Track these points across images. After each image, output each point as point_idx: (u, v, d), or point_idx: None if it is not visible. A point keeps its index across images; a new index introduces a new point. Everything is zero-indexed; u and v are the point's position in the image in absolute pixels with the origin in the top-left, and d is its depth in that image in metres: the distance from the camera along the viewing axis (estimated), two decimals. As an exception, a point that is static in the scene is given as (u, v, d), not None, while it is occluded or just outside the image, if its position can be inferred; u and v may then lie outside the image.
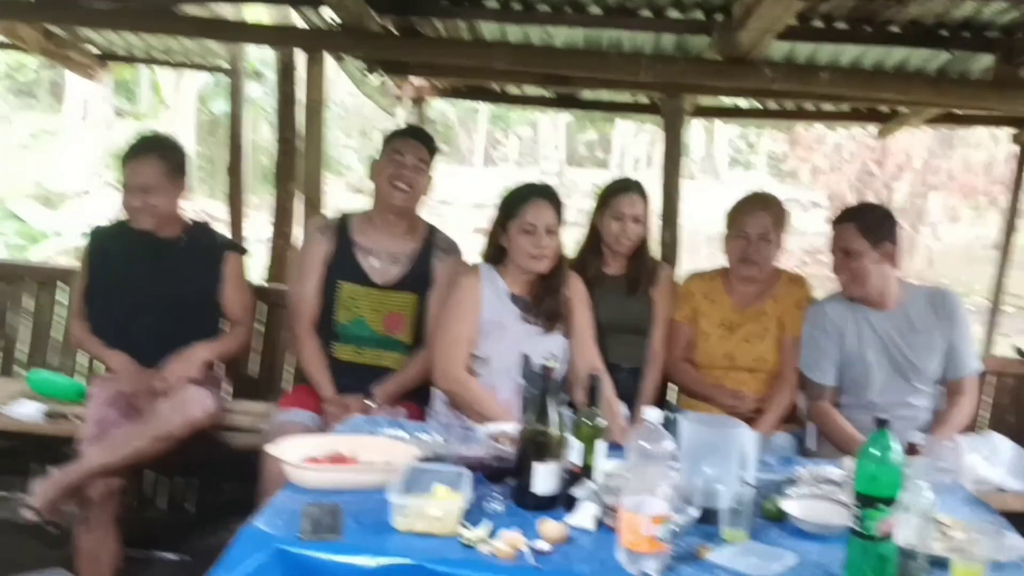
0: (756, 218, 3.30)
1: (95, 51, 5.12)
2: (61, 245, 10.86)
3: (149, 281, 3.25)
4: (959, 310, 3.14)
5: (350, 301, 3.23)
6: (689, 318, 3.45)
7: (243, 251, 3.50)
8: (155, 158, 3.19)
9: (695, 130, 25.31)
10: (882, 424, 1.88)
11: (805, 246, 18.04)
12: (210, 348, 3.29)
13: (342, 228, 3.31)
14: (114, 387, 3.22)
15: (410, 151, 3.25)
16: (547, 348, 2.96)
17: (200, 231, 3.40)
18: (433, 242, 3.34)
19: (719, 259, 3.48)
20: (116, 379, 3.24)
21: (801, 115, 5.59)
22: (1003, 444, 3.71)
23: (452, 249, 3.37)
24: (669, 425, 2.16)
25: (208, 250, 3.36)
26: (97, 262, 3.35)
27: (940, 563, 1.95)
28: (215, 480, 4.00)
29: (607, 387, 2.98)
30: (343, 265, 3.26)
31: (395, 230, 3.29)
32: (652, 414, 2.08)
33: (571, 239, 3.61)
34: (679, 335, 3.46)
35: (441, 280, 3.27)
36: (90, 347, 3.41)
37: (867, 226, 3.10)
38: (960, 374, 3.19)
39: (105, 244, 3.36)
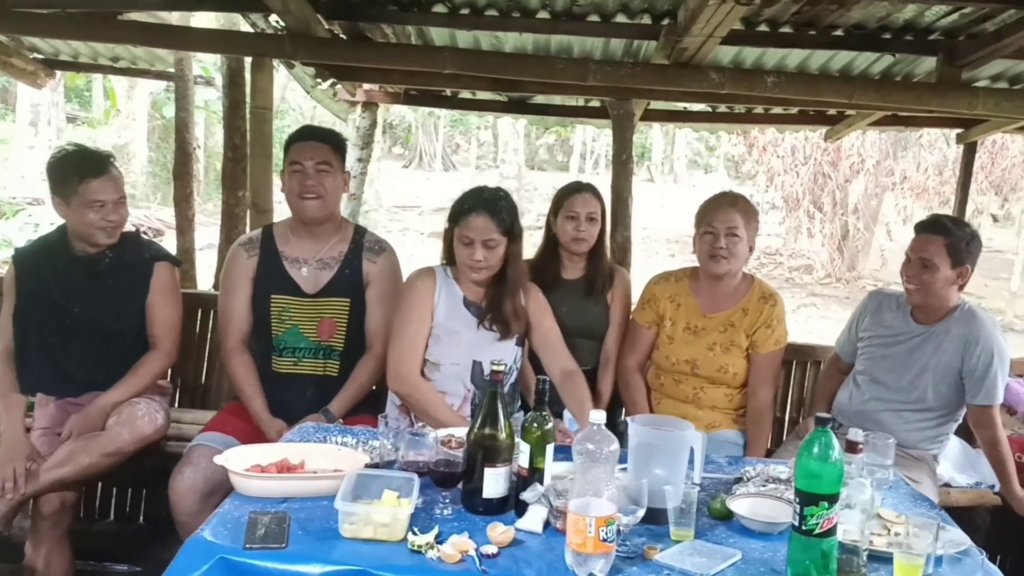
0: (724, 213, 3.22)
1: (40, 57, 5.05)
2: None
3: (76, 304, 3.13)
4: (981, 335, 3.12)
5: (284, 313, 3.16)
6: (652, 322, 3.39)
7: (176, 262, 3.33)
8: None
9: (655, 134, 25.57)
10: (823, 423, 1.91)
11: (762, 247, 18.31)
12: (120, 391, 3.08)
13: (266, 240, 3.24)
14: (58, 410, 3.14)
15: (309, 157, 3.10)
16: (500, 353, 2.94)
17: (127, 244, 3.21)
18: (362, 244, 3.26)
19: (678, 261, 3.47)
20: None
21: (750, 118, 5.66)
22: (950, 440, 3.77)
23: (382, 248, 3.29)
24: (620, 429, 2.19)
25: (135, 264, 3.18)
26: (25, 287, 3.17)
27: (883, 558, 1.99)
28: (165, 491, 3.94)
29: (582, 387, 2.98)
30: (273, 278, 3.18)
31: (320, 236, 3.21)
32: (597, 416, 2.09)
33: (533, 243, 3.61)
34: (640, 340, 3.41)
35: (378, 278, 3.22)
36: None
37: (954, 245, 3.09)
38: (976, 398, 3.16)
39: (31, 266, 3.18)
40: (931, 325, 3.20)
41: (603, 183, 3.62)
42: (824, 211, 16.49)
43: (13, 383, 3.12)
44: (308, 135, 3.20)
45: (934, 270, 3.10)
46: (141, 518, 3.98)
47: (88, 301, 3.13)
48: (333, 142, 3.18)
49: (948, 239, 3.10)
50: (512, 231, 2.95)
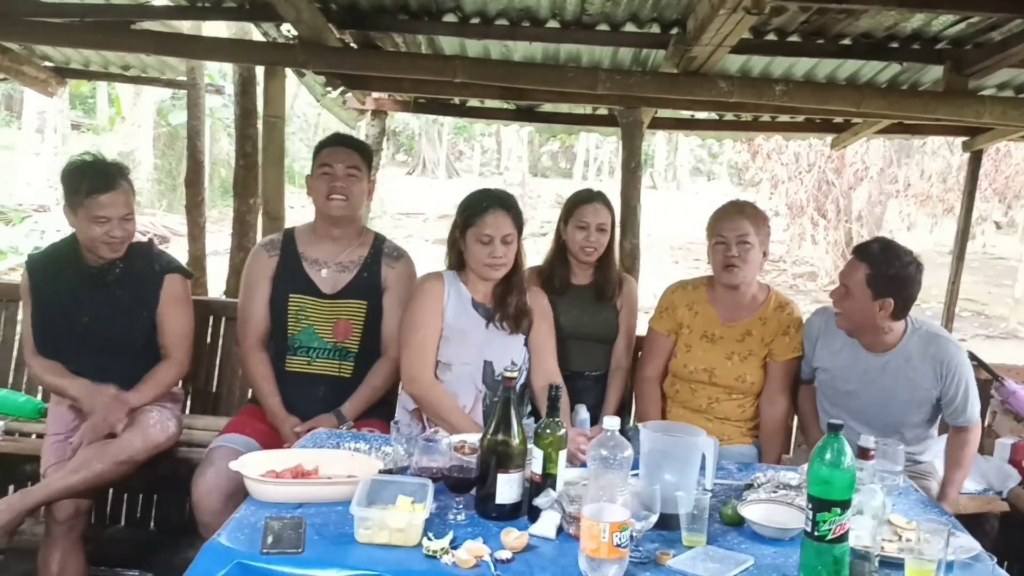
0: (733, 221, 3.23)
1: (51, 66, 5.09)
2: (19, 262, 10.70)
3: (85, 313, 3.14)
4: (953, 360, 3.06)
5: (300, 313, 3.20)
6: (671, 330, 3.39)
7: (188, 274, 3.36)
8: None
9: (659, 141, 25.59)
10: (835, 429, 1.92)
11: (766, 254, 18.30)
12: (136, 397, 3.10)
13: (287, 242, 3.28)
14: (72, 416, 3.16)
15: (339, 160, 3.19)
16: (510, 353, 2.99)
17: (138, 255, 3.21)
18: (381, 249, 3.32)
19: (681, 267, 3.49)
20: (79, 406, 3.10)
21: (757, 126, 5.67)
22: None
23: (400, 255, 3.35)
24: (628, 434, 2.20)
25: (145, 276, 3.20)
26: (38, 293, 3.19)
27: (895, 564, 2.00)
28: (176, 496, 3.97)
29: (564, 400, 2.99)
30: (292, 278, 3.22)
31: (341, 240, 3.27)
32: (611, 422, 2.11)
33: (536, 249, 3.63)
34: (659, 348, 3.42)
35: (396, 284, 3.26)
36: (49, 380, 3.20)
37: (876, 277, 2.97)
38: (956, 420, 3.13)
39: (44, 273, 3.20)
40: (882, 353, 3.10)
41: (607, 190, 3.64)
42: (828, 218, 16.46)
43: (57, 366, 3.15)
44: (339, 142, 3.29)
45: (852, 299, 3.01)
46: (152, 524, 4.01)
47: (97, 311, 3.14)
48: (362, 150, 3.30)
49: (871, 269, 2.98)
50: (522, 226, 3.05)
